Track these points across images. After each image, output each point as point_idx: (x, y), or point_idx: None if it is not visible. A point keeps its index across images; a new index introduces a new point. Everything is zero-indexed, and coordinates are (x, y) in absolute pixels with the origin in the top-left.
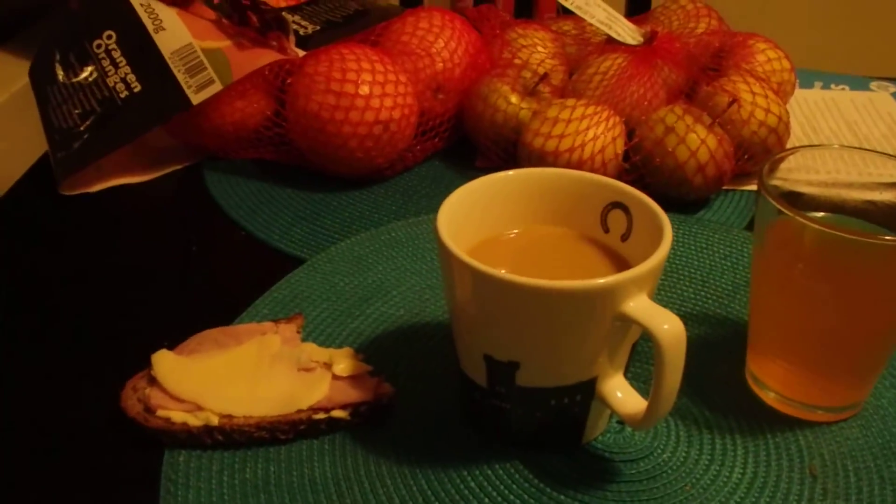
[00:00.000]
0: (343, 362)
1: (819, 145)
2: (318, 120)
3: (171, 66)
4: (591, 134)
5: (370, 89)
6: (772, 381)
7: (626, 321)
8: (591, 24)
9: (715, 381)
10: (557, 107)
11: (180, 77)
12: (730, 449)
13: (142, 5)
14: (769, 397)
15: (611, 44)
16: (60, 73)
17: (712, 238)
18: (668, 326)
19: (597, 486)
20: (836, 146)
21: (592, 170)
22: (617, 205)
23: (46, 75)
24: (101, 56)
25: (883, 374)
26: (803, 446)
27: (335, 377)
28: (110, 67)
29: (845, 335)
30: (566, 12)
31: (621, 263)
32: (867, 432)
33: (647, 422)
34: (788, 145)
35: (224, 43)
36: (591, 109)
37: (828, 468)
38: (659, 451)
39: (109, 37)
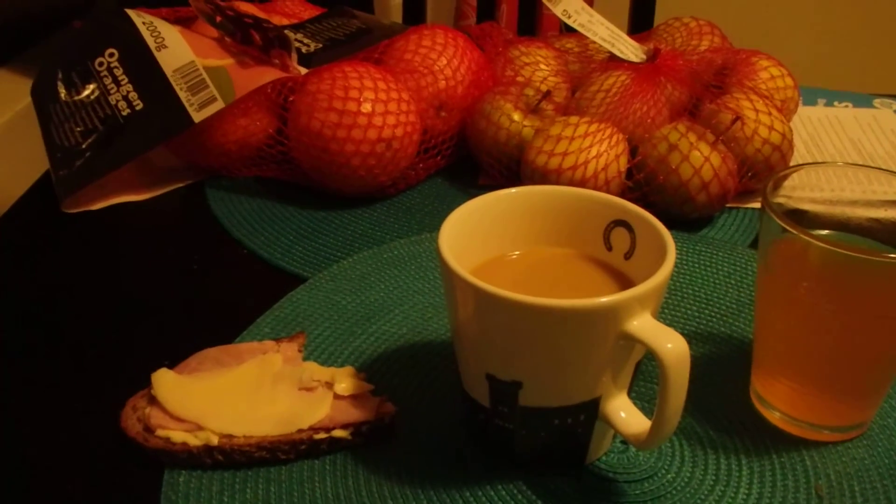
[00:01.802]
0: (345, 381)
1: (823, 163)
2: (320, 138)
3: (174, 84)
4: (594, 151)
5: (372, 107)
6: (777, 400)
7: (630, 340)
8: (593, 42)
9: (720, 401)
10: (560, 124)
11: (182, 95)
12: (735, 469)
13: (144, 24)
14: (774, 417)
15: (614, 61)
16: (63, 92)
17: (716, 256)
18: (671, 345)
19: None
20: (840, 163)
21: (595, 187)
22: (620, 223)
23: (49, 93)
24: (103, 74)
25: (889, 394)
26: (809, 466)
27: (337, 396)
28: (112, 85)
29: (851, 354)
30: (569, 30)
31: (625, 282)
32: (873, 452)
33: (651, 442)
34: (792, 163)
35: (227, 61)
36: (594, 127)
37: (834, 488)
38: (663, 471)
39: (112, 55)
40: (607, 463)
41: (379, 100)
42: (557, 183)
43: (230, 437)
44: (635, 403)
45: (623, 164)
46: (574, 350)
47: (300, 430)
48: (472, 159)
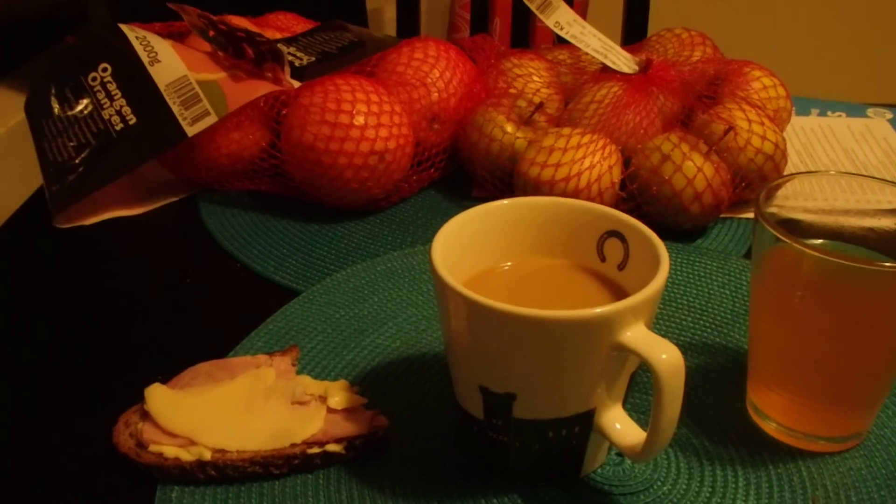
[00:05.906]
0: (338, 395)
1: (816, 171)
2: (313, 151)
3: (167, 98)
4: (587, 163)
5: (365, 120)
6: (773, 411)
7: (624, 351)
8: (586, 53)
9: (715, 412)
10: (553, 136)
11: (175, 109)
12: (731, 481)
13: (137, 38)
14: (770, 427)
15: (606, 72)
16: (56, 107)
17: (710, 266)
18: (666, 356)
19: None
20: (833, 172)
21: (589, 198)
22: (613, 233)
23: (42, 109)
24: (96, 89)
25: (886, 403)
26: (806, 477)
27: (330, 410)
28: (105, 100)
29: (846, 364)
30: (562, 42)
31: (618, 293)
32: (871, 462)
33: (646, 454)
34: (785, 173)
35: (219, 75)
36: (586, 138)
37: (831, 499)
38: (659, 483)
39: (105, 69)
40: (602, 475)
41: (371, 112)
42: (550, 194)
43: (223, 451)
44: (630, 415)
45: (616, 175)
46: (568, 362)
47: (293, 445)
48: (465, 171)
